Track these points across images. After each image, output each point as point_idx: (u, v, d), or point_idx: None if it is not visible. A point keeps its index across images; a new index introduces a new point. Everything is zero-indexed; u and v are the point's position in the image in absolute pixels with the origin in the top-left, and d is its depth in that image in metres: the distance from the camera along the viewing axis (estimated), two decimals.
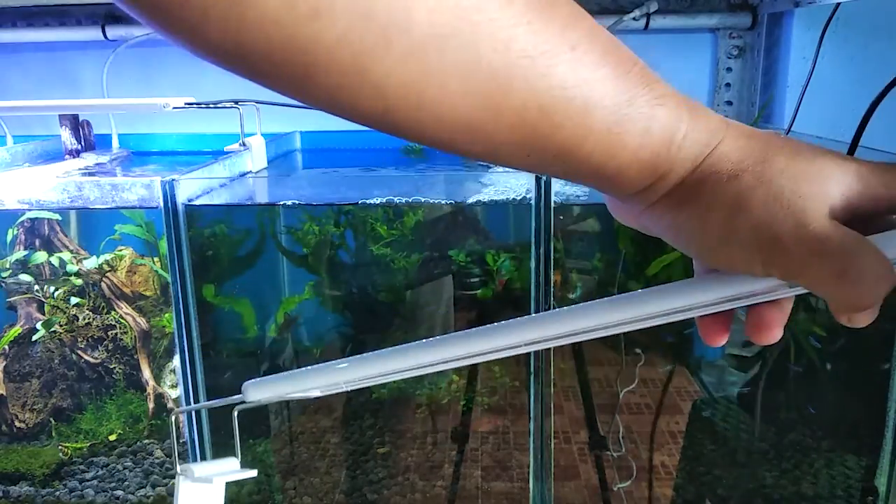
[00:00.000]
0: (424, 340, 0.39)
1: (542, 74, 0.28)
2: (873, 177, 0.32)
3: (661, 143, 0.31)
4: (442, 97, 0.28)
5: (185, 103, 1.19)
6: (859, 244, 0.30)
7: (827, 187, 0.31)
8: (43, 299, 1.44)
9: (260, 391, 0.45)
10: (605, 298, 0.35)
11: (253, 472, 0.62)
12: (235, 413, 0.48)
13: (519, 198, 1.00)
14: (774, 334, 0.34)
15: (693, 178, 0.32)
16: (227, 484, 0.55)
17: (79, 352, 1.45)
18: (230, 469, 0.60)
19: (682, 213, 0.33)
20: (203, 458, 1.11)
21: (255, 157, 1.17)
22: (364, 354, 0.41)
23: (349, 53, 0.26)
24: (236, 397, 0.45)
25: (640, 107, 0.30)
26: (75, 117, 1.38)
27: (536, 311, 1.01)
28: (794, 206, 0.30)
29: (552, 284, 0.99)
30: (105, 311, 1.46)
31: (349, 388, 0.43)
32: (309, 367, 0.44)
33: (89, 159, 1.36)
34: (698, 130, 0.32)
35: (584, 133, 0.30)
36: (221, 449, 1.20)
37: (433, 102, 0.28)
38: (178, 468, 0.57)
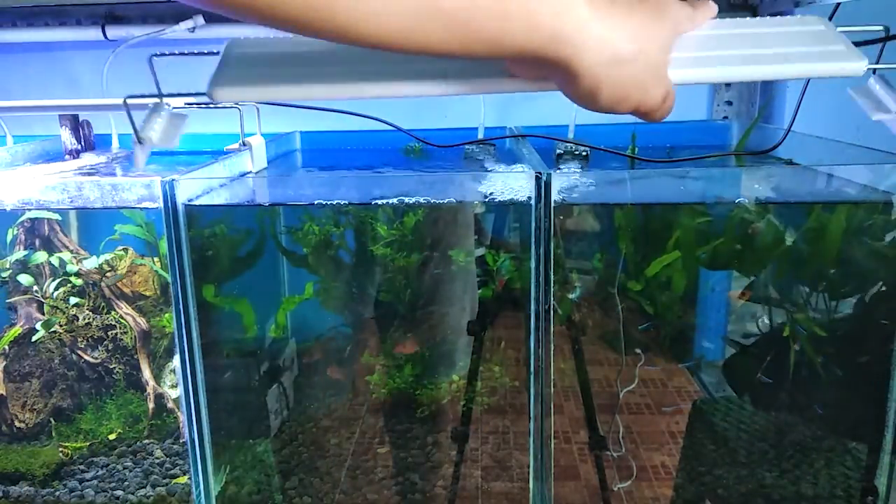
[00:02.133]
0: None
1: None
2: None
3: None
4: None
5: (185, 103, 1.19)
6: None
7: None
8: (42, 299, 1.44)
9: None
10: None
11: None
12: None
13: (519, 198, 1.00)
14: None
15: None
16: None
17: (79, 352, 1.45)
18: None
19: None
20: (203, 458, 1.11)
21: (255, 157, 1.17)
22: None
23: None
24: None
25: None
26: (75, 117, 1.38)
27: (536, 311, 1.01)
28: None
29: (552, 284, 0.99)
30: (105, 311, 1.46)
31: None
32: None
33: (89, 159, 1.36)
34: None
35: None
36: (221, 449, 1.20)
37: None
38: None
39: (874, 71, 0.78)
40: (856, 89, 0.82)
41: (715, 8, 0.53)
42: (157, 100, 0.76)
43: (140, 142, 0.76)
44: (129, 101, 0.74)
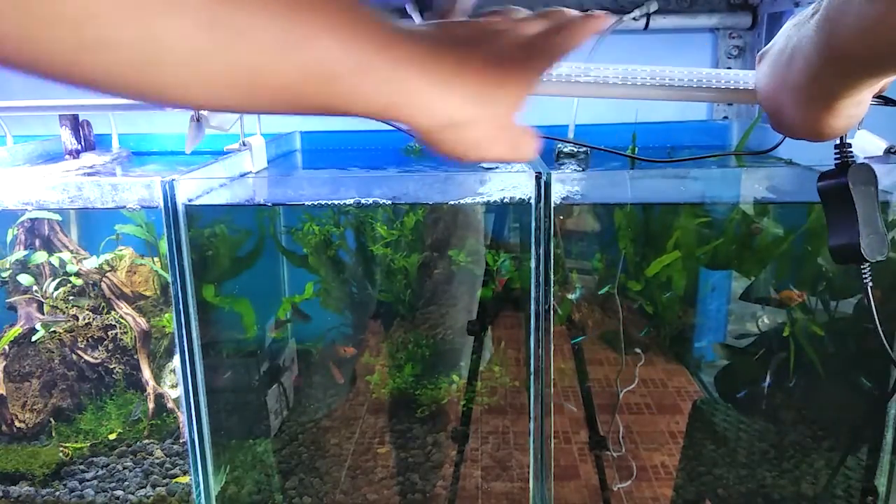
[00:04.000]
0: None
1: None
2: None
3: None
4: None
5: None
6: None
7: None
8: (42, 299, 1.44)
9: None
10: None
11: None
12: None
13: (519, 198, 1.00)
14: None
15: None
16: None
17: (79, 352, 1.45)
18: None
19: None
20: (203, 458, 1.11)
21: (255, 157, 1.17)
22: None
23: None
24: None
25: None
26: (75, 117, 1.38)
27: (536, 311, 1.01)
28: None
29: (552, 284, 0.99)
30: (105, 311, 1.46)
31: None
32: None
33: (89, 159, 1.36)
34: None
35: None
36: (221, 449, 1.20)
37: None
38: None
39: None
40: None
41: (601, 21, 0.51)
42: None
43: (197, 120, 0.82)
44: None
